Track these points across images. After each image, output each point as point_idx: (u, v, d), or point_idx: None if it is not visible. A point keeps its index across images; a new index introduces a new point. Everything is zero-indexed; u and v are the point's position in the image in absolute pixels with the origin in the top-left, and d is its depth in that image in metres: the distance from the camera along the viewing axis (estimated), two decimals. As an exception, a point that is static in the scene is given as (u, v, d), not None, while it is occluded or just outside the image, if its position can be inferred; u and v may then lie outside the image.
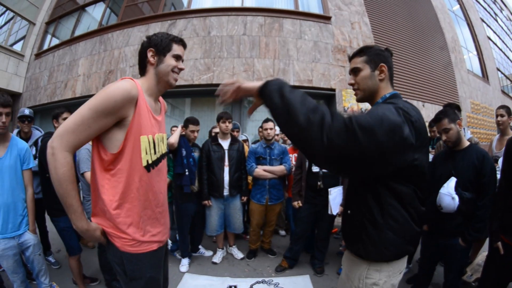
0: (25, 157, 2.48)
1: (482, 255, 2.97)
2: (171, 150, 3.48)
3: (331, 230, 3.62)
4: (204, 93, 6.27)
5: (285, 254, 3.67)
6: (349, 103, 5.91)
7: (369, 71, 1.39)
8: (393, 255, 1.31)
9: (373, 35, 6.78)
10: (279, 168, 3.70)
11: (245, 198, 3.85)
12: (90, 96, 1.24)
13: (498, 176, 2.39)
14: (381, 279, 1.32)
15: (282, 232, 4.89)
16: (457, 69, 8.55)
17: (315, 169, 3.36)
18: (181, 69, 1.49)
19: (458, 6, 10.83)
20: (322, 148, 0.99)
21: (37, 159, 2.96)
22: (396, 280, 1.37)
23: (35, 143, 3.38)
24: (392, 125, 1.03)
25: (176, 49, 1.45)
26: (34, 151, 3.13)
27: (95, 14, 8.22)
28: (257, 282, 3.32)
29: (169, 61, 1.43)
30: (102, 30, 7.34)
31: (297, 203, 3.51)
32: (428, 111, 6.79)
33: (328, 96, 6.24)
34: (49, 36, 9.04)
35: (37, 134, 3.57)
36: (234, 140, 3.81)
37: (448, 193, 2.30)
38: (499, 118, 3.37)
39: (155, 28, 6.47)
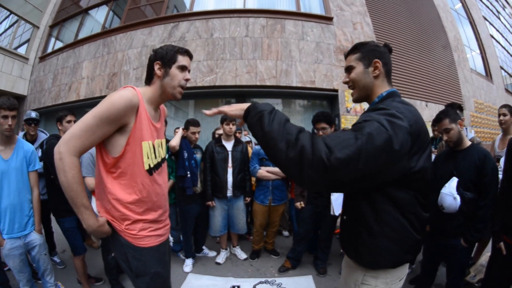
0: (31, 159, 2.53)
1: (486, 256, 2.96)
2: (173, 153, 3.51)
3: (333, 230, 3.62)
4: (207, 95, 6.34)
5: (288, 254, 3.67)
6: (352, 103, 5.92)
7: (363, 68, 1.32)
8: (390, 263, 1.24)
9: (375, 35, 6.78)
10: (282, 169, 3.71)
11: (248, 199, 3.86)
12: (94, 98, 1.31)
13: (500, 176, 2.39)
14: (377, 285, 1.26)
15: (286, 233, 4.89)
16: (460, 68, 8.51)
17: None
18: (187, 80, 1.52)
19: (460, 4, 10.76)
20: (303, 183, 1.02)
21: (42, 161, 3.00)
22: (396, 287, 1.30)
23: (41, 145, 3.41)
24: (378, 147, 0.97)
25: (181, 60, 1.48)
26: (40, 153, 3.17)
27: (98, 17, 8.30)
28: (260, 282, 3.33)
29: (175, 73, 1.46)
30: (105, 33, 7.41)
31: (299, 204, 3.51)
32: (431, 111, 6.77)
33: (331, 97, 6.27)
34: (53, 39, 9.13)
35: (42, 136, 3.61)
36: (237, 141, 3.82)
37: (450, 193, 2.28)
38: (501, 117, 3.33)
39: (158, 30, 6.52)
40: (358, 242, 1.26)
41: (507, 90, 11.47)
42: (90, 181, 2.58)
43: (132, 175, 1.39)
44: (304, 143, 0.97)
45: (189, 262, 3.69)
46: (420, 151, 1.12)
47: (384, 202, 1.16)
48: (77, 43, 7.88)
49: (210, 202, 3.67)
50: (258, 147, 3.89)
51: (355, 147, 0.95)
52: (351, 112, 5.97)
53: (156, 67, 1.46)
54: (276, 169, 3.68)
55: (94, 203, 1.60)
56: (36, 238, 2.53)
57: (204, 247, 4.08)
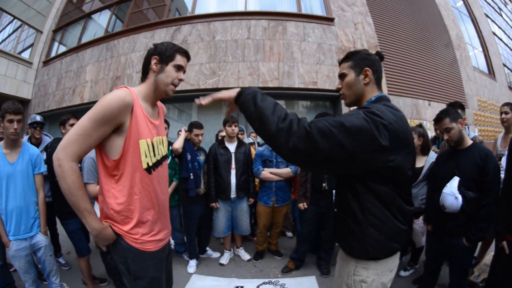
0: (36, 162, 2.58)
1: (490, 255, 2.93)
2: (176, 155, 3.54)
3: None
4: (210, 97, 6.34)
5: (292, 255, 3.69)
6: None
7: (354, 76, 1.42)
8: (379, 252, 1.31)
9: (377, 35, 6.79)
10: (285, 171, 3.72)
11: (252, 200, 3.88)
12: (99, 101, 1.31)
13: (502, 175, 2.37)
14: (369, 276, 1.34)
15: (289, 234, 4.91)
16: (462, 66, 8.50)
17: (320, 171, 3.39)
18: (181, 80, 1.53)
19: (461, 2, 10.75)
20: (289, 152, 1.10)
21: (47, 164, 3.05)
22: (387, 279, 1.38)
23: (46, 149, 3.45)
24: (356, 127, 1.09)
25: (179, 59, 1.50)
26: (44, 156, 3.22)
27: (101, 21, 8.35)
28: (264, 283, 3.35)
29: (170, 71, 1.48)
30: (108, 37, 7.46)
31: (302, 205, 3.53)
32: (435, 110, 6.73)
33: (333, 98, 6.28)
34: (56, 44, 9.20)
35: (47, 140, 3.66)
36: (240, 143, 3.85)
37: (451, 192, 2.28)
38: (503, 116, 3.29)
39: (160, 34, 6.56)
40: (346, 231, 1.37)
41: (510, 88, 11.47)
42: (92, 187, 2.58)
43: (131, 175, 1.38)
44: (292, 117, 1.12)
45: (193, 263, 3.73)
46: (399, 148, 1.19)
47: (366, 193, 1.26)
48: (81, 47, 7.93)
49: (214, 204, 3.70)
50: (261, 148, 3.91)
51: (332, 121, 1.10)
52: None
53: (153, 61, 1.47)
54: (279, 171, 3.71)
55: (97, 209, 1.62)
56: (41, 239, 2.59)
57: (207, 248, 4.11)
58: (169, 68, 1.47)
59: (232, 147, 3.77)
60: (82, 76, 7.55)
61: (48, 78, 8.54)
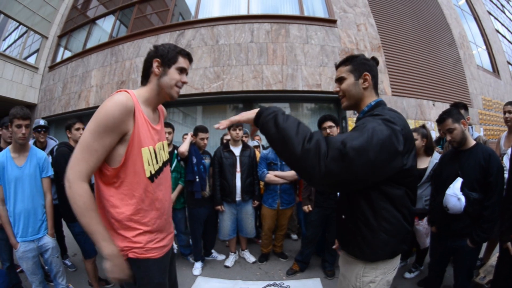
0: (44, 166, 2.64)
1: (496, 257, 2.92)
2: (182, 158, 3.59)
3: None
4: (214, 101, 6.40)
5: (296, 257, 3.72)
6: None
7: (353, 80, 1.44)
8: (388, 254, 1.36)
9: (380, 35, 6.80)
10: (290, 173, 3.73)
11: (257, 203, 3.91)
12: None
13: (506, 175, 2.38)
14: (377, 276, 1.38)
15: (294, 236, 4.93)
16: (466, 65, 8.46)
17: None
18: (184, 83, 1.48)
19: (463, 0, 10.69)
20: (320, 176, 1.03)
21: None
22: (391, 277, 1.42)
23: (51, 152, 3.51)
24: (381, 140, 1.09)
25: (182, 62, 1.45)
26: (50, 160, 3.28)
27: (105, 27, 8.43)
28: (268, 285, 3.38)
29: (173, 74, 1.42)
30: (113, 42, 7.53)
31: (307, 208, 3.54)
32: (439, 110, 6.59)
33: (337, 100, 6.24)
34: (61, 49, 9.29)
35: (52, 143, 3.73)
36: (245, 146, 3.89)
37: (454, 194, 2.28)
38: (507, 115, 3.27)
39: (164, 38, 6.60)
40: (358, 238, 1.37)
41: (515, 86, 11.36)
42: None
43: (133, 184, 1.33)
44: (319, 137, 1.07)
45: (198, 265, 3.77)
46: (409, 151, 1.25)
47: (380, 199, 1.28)
48: (86, 52, 8.01)
49: (219, 207, 3.75)
50: (266, 151, 3.93)
51: (364, 138, 1.06)
52: (357, 115, 5.94)
53: (155, 64, 1.41)
54: (284, 173, 3.73)
55: None
56: (49, 241, 2.65)
57: (213, 251, 4.15)
58: (172, 71, 1.42)
59: (237, 150, 3.81)
60: (87, 81, 7.62)
61: (54, 83, 8.63)
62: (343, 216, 1.48)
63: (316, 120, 3.56)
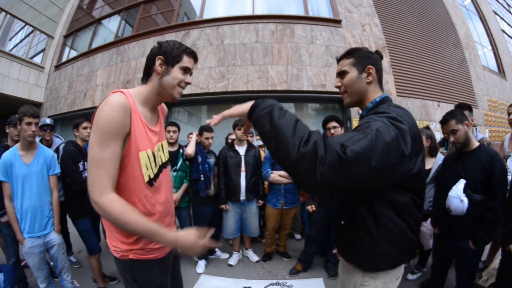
0: (51, 164, 2.69)
1: (499, 259, 2.96)
2: (188, 158, 3.62)
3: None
4: (219, 101, 6.41)
5: (300, 257, 3.73)
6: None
7: (356, 73, 1.33)
8: (389, 265, 1.27)
9: (384, 36, 6.78)
10: (294, 173, 3.76)
11: (261, 202, 3.93)
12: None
13: (509, 177, 2.38)
14: (377, 286, 1.29)
15: (298, 236, 4.94)
16: (471, 65, 8.41)
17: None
18: (187, 83, 1.40)
19: (469, 0, 10.64)
20: (315, 183, 0.91)
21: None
22: (394, 286, 1.33)
23: (56, 150, 3.59)
24: (387, 144, 0.97)
25: (186, 61, 1.37)
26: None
27: (111, 27, 8.49)
28: (271, 284, 3.39)
29: (177, 73, 1.33)
30: (118, 41, 7.58)
31: (310, 207, 3.55)
32: (444, 111, 6.49)
33: (342, 100, 6.23)
34: (67, 49, 9.38)
35: (57, 141, 3.79)
36: (250, 146, 3.91)
37: (457, 195, 2.27)
38: (511, 117, 3.26)
39: (170, 38, 6.53)
40: (357, 246, 1.28)
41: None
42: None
43: (132, 189, 1.27)
44: (317, 139, 0.93)
45: (201, 263, 3.79)
46: (417, 153, 1.13)
47: (383, 206, 1.17)
48: (91, 52, 8.08)
49: (223, 206, 3.78)
50: (270, 151, 3.95)
51: (367, 141, 0.94)
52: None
53: (158, 62, 1.32)
54: (288, 173, 3.74)
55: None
56: (55, 237, 2.69)
57: (216, 249, 4.17)
58: (175, 70, 1.33)
59: (241, 150, 3.84)
60: (93, 80, 7.68)
61: (59, 82, 8.71)
62: (342, 222, 1.39)
63: (321, 120, 3.56)
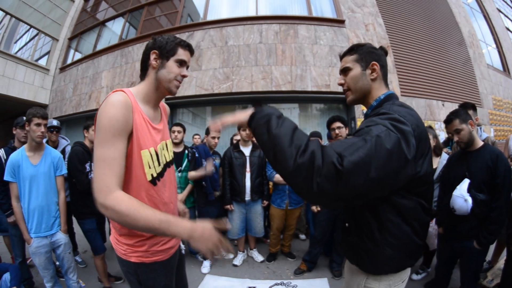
0: (58, 165, 2.71)
1: (504, 260, 2.94)
2: (192, 159, 3.68)
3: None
4: (224, 102, 6.46)
5: (304, 257, 3.72)
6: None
7: (360, 70, 1.29)
8: (393, 269, 1.25)
9: (388, 35, 6.77)
10: (299, 174, 3.76)
11: (266, 203, 3.93)
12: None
13: None
14: None
15: (302, 236, 4.95)
16: (476, 64, 8.36)
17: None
18: (184, 76, 1.37)
19: (473, -2, 10.58)
20: (313, 195, 0.89)
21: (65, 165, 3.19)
22: None
23: (62, 151, 3.63)
24: (388, 151, 0.93)
25: (181, 54, 1.34)
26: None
27: (115, 29, 8.55)
28: (276, 284, 3.38)
29: (172, 67, 1.31)
30: (122, 43, 7.63)
31: (315, 208, 3.55)
32: (449, 110, 6.43)
33: (346, 100, 6.24)
34: (72, 51, 9.46)
35: (63, 143, 3.82)
36: (255, 146, 3.91)
37: (461, 195, 2.26)
38: None
39: (174, 40, 6.65)
40: (361, 249, 1.26)
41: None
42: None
43: (135, 189, 1.25)
44: (314, 148, 0.89)
45: (206, 263, 3.81)
46: (424, 155, 1.09)
47: (387, 211, 1.14)
48: (96, 54, 8.14)
49: (228, 206, 3.79)
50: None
51: (366, 149, 0.90)
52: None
53: (152, 56, 1.31)
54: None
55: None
56: (61, 237, 2.71)
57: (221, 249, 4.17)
58: (171, 64, 1.31)
59: (247, 150, 3.84)
60: (98, 82, 7.74)
61: (64, 84, 8.78)
62: (347, 224, 1.37)
63: (325, 120, 3.56)
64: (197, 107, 6.86)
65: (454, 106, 6.58)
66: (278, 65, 6.02)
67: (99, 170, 1.11)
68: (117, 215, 1.06)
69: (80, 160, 2.97)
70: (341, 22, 6.48)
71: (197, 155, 3.72)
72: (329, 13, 6.76)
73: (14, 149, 2.98)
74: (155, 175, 1.32)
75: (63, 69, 9.09)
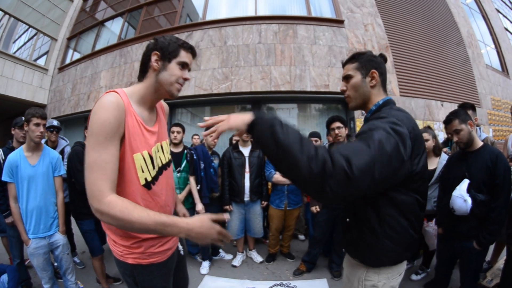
0: (56, 165, 2.70)
1: (503, 260, 2.92)
2: (191, 160, 3.67)
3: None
4: (223, 102, 6.45)
5: (303, 258, 3.73)
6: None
7: (360, 77, 1.39)
8: (392, 261, 1.32)
9: (387, 35, 6.76)
10: (298, 174, 3.75)
11: (265, 203, 3.93)
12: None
13: None
14: (380, 281, 1.34)
15: (301, 237, 4.95)
16: (475, 64, 8.37)
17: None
18: (186, 79, 1.34)
19: (471, -2, 10.60)
20: (327, 198, 0.95)
21: (65, 166, 3.19)
22: (396, 282, 1.38)
23: (61, 152, 3.64)
24: (389, 154, 1.02)
25: (184, 56, 1.31)
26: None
27: (114, 29, 8.53)
28: (275, 285, 3.39)
29: (174, 69, 1.28)
30: (121, 43, 7.61)
31: (315, 208, 3.55)
32: (448, 111, 6.48)
33: (345, 101, 6.21)
34: (71, 51, 9.44)
35: (63, 143, 3.83)
36: (254, 147, 3.91)
37: (460, 195, 2.27)
38: None
39: (173, 40, 6.65)
40: (362, 242, 1.34)
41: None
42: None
43: (129, 193, 1.22)
44: (324, 155, 0.94)
45: (205, 264, 3.80)
46: (419, 154, 1.20)
47: (387, 206, 1.23)
48: (95, 54, 8.12)
49: (227, 206, 3.78)
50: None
51: (370, 155, 0.98)
52: (365, 115, 5.93)
53: (154, 58, 1.27)
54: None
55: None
56: (60, 238, 2.70)
57: (220, 250, 4.19)
58: (173, 66, 1.28)
59: (246, 151, 3.84)
60: (96, 82, 7.73)
61: (63, 84, 8.76)
62: (348, 219, 1.43)
63: (324, 120, 3.56)
64: (196, 107, 6.85)
65: (453, 106, 6.59)
66: (277, 65, 6.01)
67: (91, 174, 1.08)
68: (112, 220, 1.05)
69: (80, 160, 2.95)
70: (340, 22, 6.47)
71: (195, 157, 3.71)
72: (328, 13, 6.75)
73: (12, 149, 2.98)
74: (149, 179, 1.29)
75: (61, 69, 9.07)
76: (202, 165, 3.62)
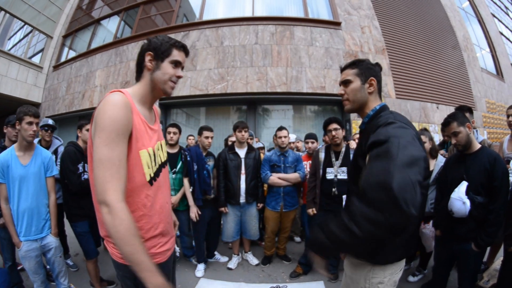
0: (48, 165, 2.63)
1: (499, 260, 2.89)
2: (186, 162, 3.64)
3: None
4: (218, 102, 6.42)
5: (300, 260, 3.70)
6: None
7: (359, 83, 1.44)
8: (397, 258, 1.41)
9: (384, 38, 6.80)
10: (294, 176, 3.72)
11: (261, 205, 3.89)
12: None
13: (511, 179, 2.37)
14: (385, 277, 1.40)
15: (297, 239, 4.91)
16: (470, 68, 8.45)
17: (330, 176, 3.34)
18: (179, 77, 1.37)
19: (467, 2, 10.67)
20: (398, 230, 0.96)
21: (58, 166, 3.12)
22: (398, 277, 1.45)
23: (55, 152, 3.56)
24: (413, 158, 1.04)
25: (176, 54, 1.34)
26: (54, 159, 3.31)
27: (110, 27, 8.48)
28: None
29: (167, 68, 1.32)
30: (117, 42, 7.57)
31: (311, 211, 3.52)
32: (443, 113, 6.68)
33: (341, 102, 6.19)
34: (66, 49, 9.38)
35: (56, 143, 3.75)
36: (250, 148, 3.88)
37: (459, 197, 2.26)
38: (510, 118, 3.20)
39: (168, 39, 6.62)
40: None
41: (519, 88, 11.31)
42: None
43: (134, 189, 1.23)
44: (371, 216, 0.98)
45: (201, 267, 3.75)
46: None
47: None
48: (90, 52, 8.07)
49: (223, 208, 3.73)
50: (269, 153, 3.92)
51: (401, 176, 0.98)
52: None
53: (147, 58, 1.31)
54: (287, 176, 3.70)
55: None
56: (52, 241, 2.63)
57: (216, 253, 4.14)
58: (165, 65, 1.31)
59: (242, 152, 3.80)
60: (91, 80, 7.67)
61: (58, 82, 8.69)
62: None
63: (320, 122, 3.56)
64: (191, 107, 6.82)
65: (449, 109, 6.65)
66: (273, 66, 6.01)
67: (107, 171, 1.08)
68: (113, 229, 1.05)
69: (72, 160, 2.89)
70: (337, 24, 6.49)
71: (188, 158, 3.67)
72: (325, 15, 6.77)
73: (4, 148, 2.91)
74: (152, 175, 1.31)
75: (56, 67, 9.00)
76: (195, 167, 3.59)
